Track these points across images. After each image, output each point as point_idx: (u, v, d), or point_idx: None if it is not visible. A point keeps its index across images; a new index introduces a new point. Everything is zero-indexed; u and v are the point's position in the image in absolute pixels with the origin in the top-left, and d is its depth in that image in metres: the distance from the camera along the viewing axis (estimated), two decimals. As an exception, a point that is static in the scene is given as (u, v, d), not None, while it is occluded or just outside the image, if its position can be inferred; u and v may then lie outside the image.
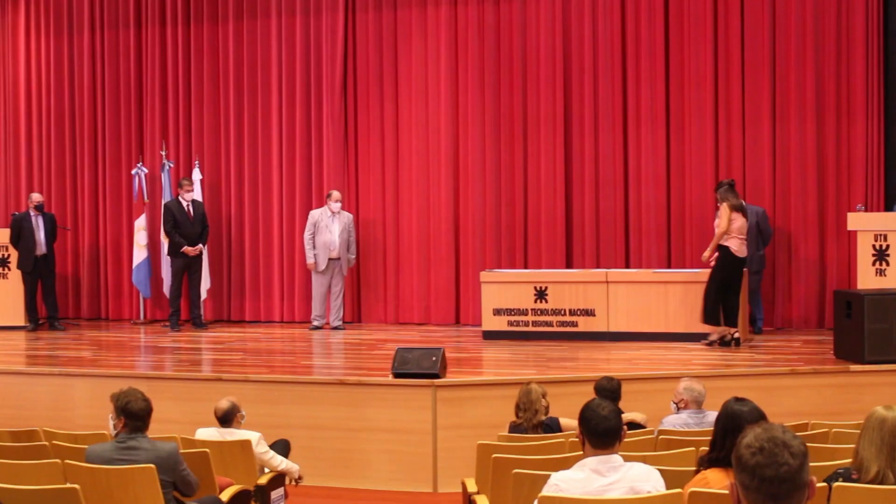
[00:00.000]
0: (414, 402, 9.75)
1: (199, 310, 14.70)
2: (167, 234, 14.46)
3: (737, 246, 11.63)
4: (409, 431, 9.73)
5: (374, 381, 10.08)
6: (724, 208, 11.65)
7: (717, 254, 11.80)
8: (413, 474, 9.68)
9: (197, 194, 14.85)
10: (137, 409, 6.36)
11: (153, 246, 15.31)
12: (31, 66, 16.37)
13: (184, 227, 14.39)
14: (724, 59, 13.47)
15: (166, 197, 15.01)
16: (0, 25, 16.50)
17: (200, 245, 14.51)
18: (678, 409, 7.83)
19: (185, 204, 14.43)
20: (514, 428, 7.82)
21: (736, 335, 11.77)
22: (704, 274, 12.24)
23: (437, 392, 9.69)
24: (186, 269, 14.51)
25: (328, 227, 14.03)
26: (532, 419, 7.70)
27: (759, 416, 4.91)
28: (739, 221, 11.63)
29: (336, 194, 14.13)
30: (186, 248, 14.32)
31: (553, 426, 7.71)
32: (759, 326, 12.91)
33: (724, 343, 11.75)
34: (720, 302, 11.76)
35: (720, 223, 11.68)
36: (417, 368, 9.86)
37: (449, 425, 9.65)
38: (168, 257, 14.76)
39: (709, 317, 11.79)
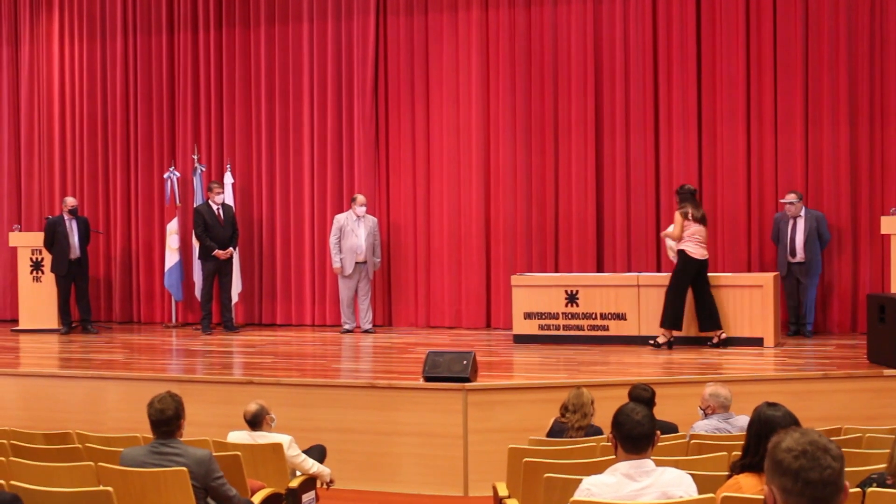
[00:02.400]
0: (445, 405, 9.75)
1: (230, 313, 14.73)
2: (198, 237, 14.51)
3: (693, 248, 11.90)
4: (439, 435, 9.72)
5: (405, 385, 10.08)
6: (677, 216, 11.99)
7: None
8: (444, 478, 9.68)
9: (228, 198, 14.91)
10: (160, 418, 6.35)
11: (185, 249, 15.37)
12: (65, 72, 16.47)
13: (214, 231, 14.43)
14: (756, 62, 13.40)
15: (198, 201, 15.06)
16: (34, 31, 16.61)
17: (231, 248, 14.55)
18: (705, 414, 7.79)
19: (215, 207, 14.48)
20: (557, 425, 7.80)
21: (723, 336, 11.96)
22: (737, 278, 12.28)
23: (468, 396, 9.69)
24: (217, 273, 14.55)
25: (354, 232, 14.05)
26: (579, 422, 7.69)
27: (792, 422, 4.88)
28: (692, 228, 11.91)
29: (360, 198, 14.14)
30: (217, 252, 14.37)
31: (595, 434, 7.69)
32: (809, 330, 12.84)
33: (657, 345, 12.02)
34: (681, 306, 12.00)
35: (674, 231, 12.03)
36: (448, 372, 9.86)
37: (480, 429, 9.64)
38: (199, 261, 14.82)
39: (666, 320, 12.01)
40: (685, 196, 12.10)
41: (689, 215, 11.93)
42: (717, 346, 11.93)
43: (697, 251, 11.93)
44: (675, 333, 12.05)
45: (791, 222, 12.76)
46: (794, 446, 3.08)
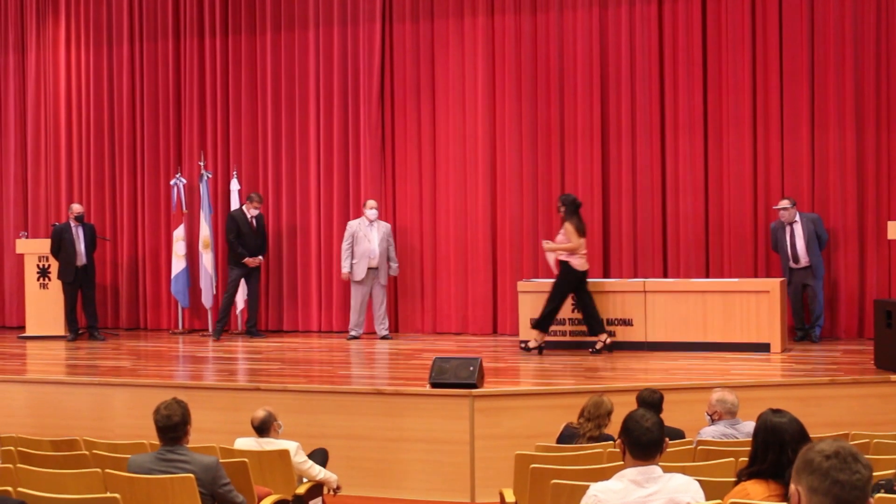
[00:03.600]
0: (451, 412, 9.74)
1: (255, 319, 14.77)
2: (229, 242, 14.55)
3: (577, 261, 12.31)
4: (446, 441, 9.71)
5: (412, 391, 10.08)
6: (569, 229, 12.29)
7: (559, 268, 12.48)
8: (450, 484, 9.66)
9: (234, 204, 14.96)
10: (166, 424, 6.35)
11: (192, 256, 15.38)
12: (71, 78, 16.50)
13: (246, 239, 14.50)
14: (763, 67, 13.40)
15: (205, 207, 15.10)
16: (40, 38, 16.64)
17: (260, 256, 14.63)
18: (712, 420, 7.78)
19: (249, 216, 14.54)
20: (568, 430, 7.78)
21: (608, 341, 12.29)
22: (744, 283, 12.27)
23: (475, 402, 9.68)
24: (244, 279, 14.61)
25: (366, 237, 14.05)
26: (591, 431, 7.67)
27: (798, 428, 4.88)
28: (578, 242, 12.28)
29: (371, 203, 14.16)
30: (247, 259, 14.44)
31: (604, 441, 7.68)
32: (818, 334, 12.82)
33: (527, 348, 12.43)
34: (556, 313, 12.36)
35: (569, 242, 12.27)
36: (455, 378, 9.85)
37: (486, 435, 9.63)
38: (206, 267, 14.87)
39: (540, 323, 12.35)
40: (571, 209, 12.43)
41: (580, 230, 12.34)
42: (598, 352, 12.20)
43: (580, 263, 12.33)
44: (603, 337, 12.30)
45: (788, 229, 12.73)
46: (826, 448, 3.13)
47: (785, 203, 12.74)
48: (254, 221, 14.62)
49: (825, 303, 13.09)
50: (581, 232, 12.32)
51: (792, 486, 3.17)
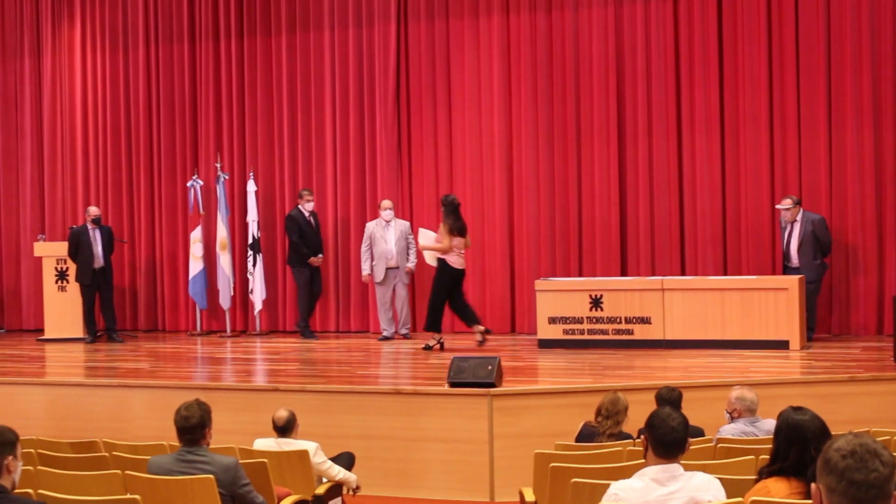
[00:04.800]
0: (470, 411, 9.73)
1: (307, 319, 14.76)
2: (293, 244, 14.50)
3: (453, 259, 12.77)
4: (465, 441, 9.71)
5: (430, 391, 10.08)
6: (442, 230, 12.78)
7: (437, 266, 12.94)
8: (469, 483, 9.66)
9: (252, 205, 14.97)
10: (185, 426, 6.35)
11: (209, 258, 15.40)
12: (87, 82, 16.55)
13: (308, 238, 14.51)
14: (779, 64, 13.36)
15: (222, 209, 15.13)
16: (56, 42, 16.69)
17: (321, 255, 14.65)
18: (731, 418, 7.76)
19: (306, 214, 14.54)
20: (588, 429, 7.76)
21: (441, 340, 13.01)
22: (762, 280, 12.22)
23: (494, 401, 9.67)
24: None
25: (383, 237, 14.06)
26: (611, 429, 7.65)
27: (819, 425, 4.86)
28: (456, 240, 12.69)
29: (385, 203, 14.16)
30: (312, 259, 14.47)
31: (623, 439, 7.66)
32: (810, 336, 12.76)
33: (429, 348, 12.94)
34: (442, 311, 12.90)
35: (442, 242, 12.73)
36: (473, 378, 9.83)
37: (505, 434, 9.62)
38: (223, 269, 14.91)
39: (431, 325, 12.92)
40: (449, 209, 12.78)
41: (453, 230, 12.67)
42: (431, 348, 12.89)
43: (457, 262, 12.78)
44: (439, 336, 12.99)
45: (788, 228, 12.67)
46: (843, 446, 3.10)
47: (787, 202, 12.64)
48: (312, 219, 14.59)
49: (844, 300, 13.06)
50: (458, 232, 12.69)
51: (813, 485, 3.16)
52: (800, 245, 12.55)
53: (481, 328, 12.92)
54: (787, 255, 12.70)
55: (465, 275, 13.16)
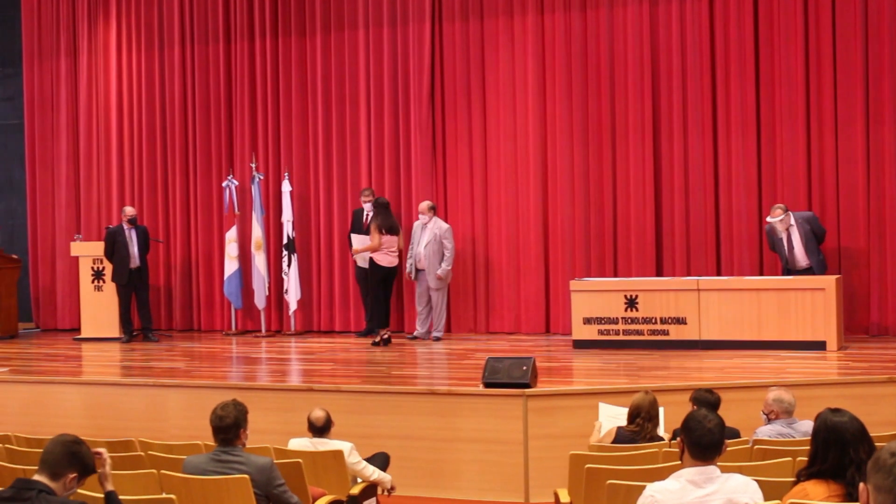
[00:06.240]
0: (505, 411, 9.72)
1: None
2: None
3: (380, 258, 13.75)
4: (500, 441, 9.69)
5: (465, 391, 10.07)
6: (371, 229, 13.74)
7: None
8: (504, 484, 9.65)
9: (286, 205, 15.00)
10: (220, 426, 6.37)
11: (244, 258, 15.45)
12: (123, 82, 16.62)
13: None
14: (816, 61, 13.26)
15: (257, 209, 15.17)
16: (92, 42, 16.77)
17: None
18: (768, 419, 7.70)
19: (366, 214, 14.55)
20: (624, 435, 7.70)
21: (386, 335, 13.73)
22: (799, 280, 12.14)
23: (528, 402, 9.65)
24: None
25: (416, 238, 14.05)
26: (651, 431, 7.61)
27: (858, 426, 4.81)
28: (386, 238, 13.67)
29: (422, 205, 14.13)
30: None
31: (658, 440, 7.62)
32: None
33: (386, 341, 13.74)
34: (382, 306, 13.80)
35: (372, 244, 13.72)
36: (508, 378, 9.82)
37: (540, 435, 9.60)
38: (258, 268, 14.99)
39: (381, 321, 13.75)
40: (379, 209, 13.81)
41: (381, 228, 13.61)
42: (378, 343, 13.58)
43: (385, 260, 13.75)
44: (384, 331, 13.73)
45: (785, 235, 12.54)
46: (894, 447, 3.13)
47: (778, 213, 12.46)
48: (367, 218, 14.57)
49: (877, 299, 12.98)
50: (386, 230, 13.64)
51: (861, 484, 3.15)
52: (805, 246, 12.46)
53: (385, 335, 13.70)
54: (790, 260, 12.55)
55: (398, 273, 14.16)
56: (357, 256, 13.93)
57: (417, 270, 14.10)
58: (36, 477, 4.80)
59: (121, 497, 5.99)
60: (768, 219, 12.62)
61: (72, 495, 4.98)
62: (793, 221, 12.49)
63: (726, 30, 13.63)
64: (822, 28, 13.22)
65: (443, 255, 13.99)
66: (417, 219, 14.25)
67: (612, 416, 8.40)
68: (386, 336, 13.66)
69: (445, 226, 14.13)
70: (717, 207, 13.72)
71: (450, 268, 14.07)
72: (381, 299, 13.82)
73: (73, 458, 4.85)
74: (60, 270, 16.73)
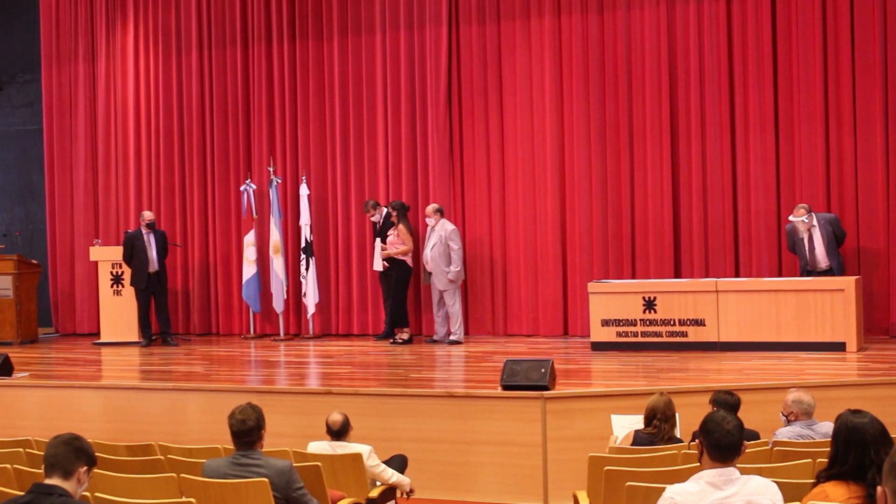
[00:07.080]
0: (523, 414, 9.71)
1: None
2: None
3: (411, 261, 14.21)
4: (518, 444, 9.68)
5: (483, 394, 10.06)
6: (404, 232, 14.06)
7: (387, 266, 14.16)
8: (523, 487, 9.63)
9: (304, 209, 15.02)
10: (241, 429, 6.38)
11: (262, 261, 15.47)
12: (140, 86, 16.67)
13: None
14: (834, 61, 13.21)
15: (275, 213, 15.20)
16: (110, 47, 16.83)
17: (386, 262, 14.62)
18: (787, 421, 7.67)
19: (376, 223, 14.59)
20: (643, 437, 7.68)
21: (406, 335, 14.20)
22: (818, 282, 12.08)
23: (547, 404, 9.64)
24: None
25: (426, 242, 14.05)
26: (669, 432, 7.59)
27: (879, 428, 4.78)
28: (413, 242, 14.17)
29: (428, 209, 14.11)
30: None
31: (676, 442, 7.59)
32: None
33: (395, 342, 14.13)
34: (404, 307, 14.22)
35: (406, 243, 14.08)
36: (526, 380, 9.81)
37: (559, 437, 9.58)
38: (276, 272, 15.05)
39: (402, 321, 14.20)
40: (402, 212, 14.14)
41: (410, 231, 14.11)
42: (397, 342, 14.05)
43: (410, 260, 14.24)
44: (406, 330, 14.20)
45: (806, 235, 12.49)
46: None
47: (802, 213, 12.42)
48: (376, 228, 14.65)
49: (895, 299, 12.97)
50: (412, 233, 14.15)
51: (879, 488, 3.13)
52: (827, 247, 12.42)
53: (405, 334, 14.21)
54: (810, 262, 12.50)
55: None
56: (376, 261, 14.08)
57: (428, 273, 14.09)
58: (47, 481, 4.81)
59: (141, 501, 6.01)
60: (791, 217, 12.57)
61: (85, 489, 5.01)
62: (815, 222, 12.44)
63: (744, 30, 13.59)
64: (840, 28, 13.17)
65: (449, 256, 13.93)
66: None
67: (626, 427, 8.36)
68: (406, 336, 14.09)
69: (451, 227, 14.09)
70: (735, 209, 13.68)
71: (458, 269, 14.00)
72: (403, 300, 14.20)
73: (79, 452, 4.88)
74: (79, 275, 16.78)
